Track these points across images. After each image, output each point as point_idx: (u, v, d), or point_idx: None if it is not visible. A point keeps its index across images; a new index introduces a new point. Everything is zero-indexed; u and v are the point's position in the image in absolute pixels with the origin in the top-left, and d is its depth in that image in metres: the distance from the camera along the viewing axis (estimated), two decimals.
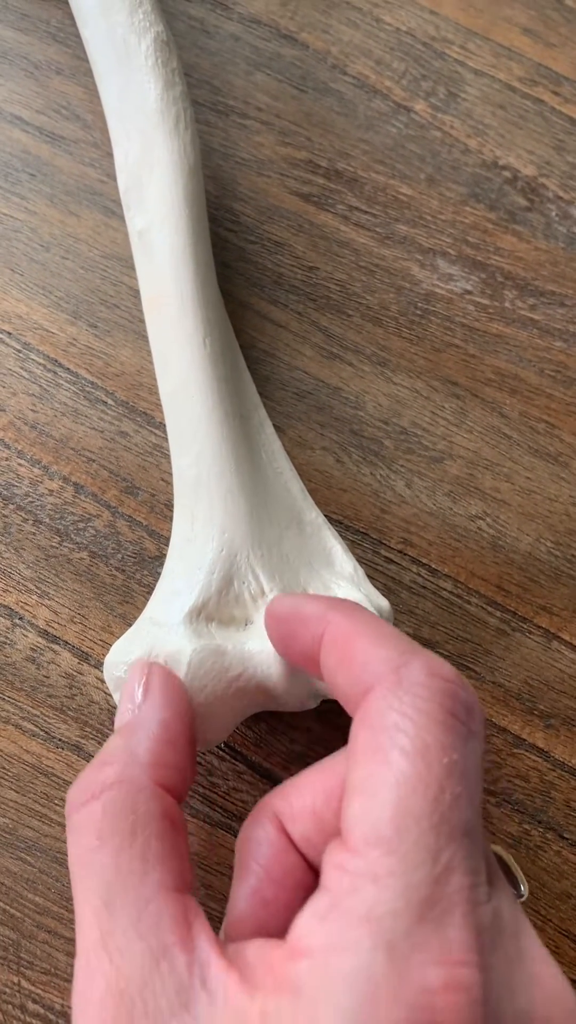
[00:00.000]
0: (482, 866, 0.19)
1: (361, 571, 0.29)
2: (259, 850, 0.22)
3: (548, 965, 0.19)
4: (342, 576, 0.29)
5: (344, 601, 0.24)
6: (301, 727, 0.29)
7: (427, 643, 0.30)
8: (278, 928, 0.21)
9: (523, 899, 0.25)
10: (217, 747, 0.28)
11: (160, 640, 0.26)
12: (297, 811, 0.22)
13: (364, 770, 0.19)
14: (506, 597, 0.30)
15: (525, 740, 0.29)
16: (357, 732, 0.20)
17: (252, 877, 0.22)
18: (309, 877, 0.22)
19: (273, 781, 0.28)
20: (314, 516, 0.30)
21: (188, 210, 0.30)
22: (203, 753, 0.28)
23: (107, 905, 0.19)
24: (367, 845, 0.18)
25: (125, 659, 0.27)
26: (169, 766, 0.22)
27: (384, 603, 0.28)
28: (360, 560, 0.30)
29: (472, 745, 0.19)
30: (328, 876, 0.19)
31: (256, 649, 0.26)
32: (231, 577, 0.27)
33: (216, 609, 0.27)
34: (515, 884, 0.25)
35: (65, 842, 0.27)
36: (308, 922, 0.18)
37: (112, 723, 0.28)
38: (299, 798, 0.22)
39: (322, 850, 0.21)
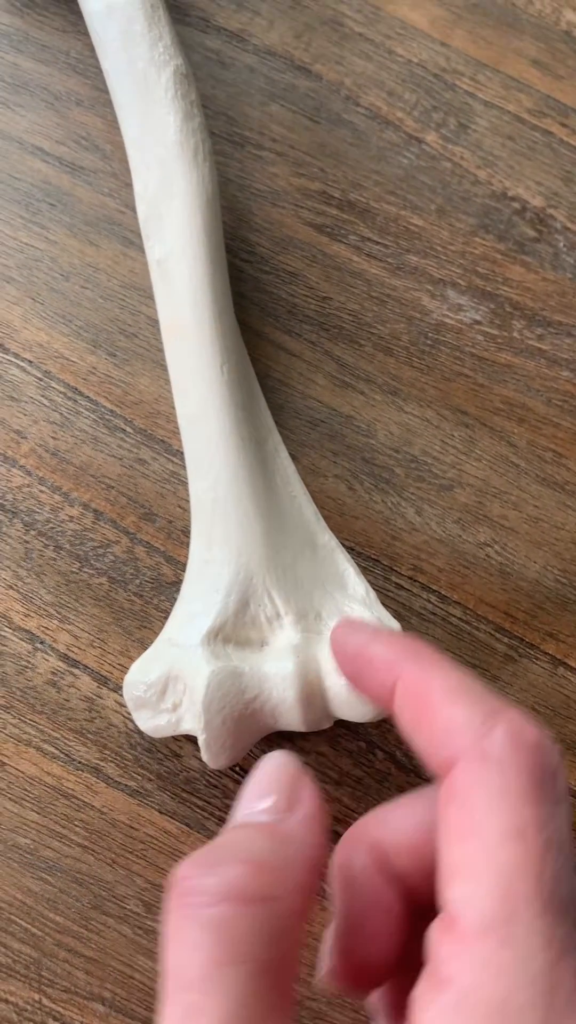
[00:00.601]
0: None
1: (373, 594, 0.29)
2: (357, 885, 0.21)
3: None
4: (355, 599, 0.29)
5: (415, 642, 0.23)
6: (313, 751, 0.29)
7: None
8: (376, 960, 0.21)
9: None
10: (232, 769, 0.29)
11: (179, 661, 0.27)
12: (399, 842, 0.21)
13: (460, 851, 0.19)
14: (514, 624, 0.31)
15: None
16: (447, 809, 0.19)
17: (351, 915, 0.21)
18: (399, 907, 0.22)
19: None
20: (327, 539, 0.30)
21: (206, 239, 0.30)
22: (219, 775, 0.29)
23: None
24: (481, 933, 0.18)
25: (144, 679, 0.27)
26: (310, 900, 0.19)
27: (396, 625, 0.29)
28: (371, 586, 0.31)
29: (563, 811, 0.19)
30: (446, 965, 0.18)
31: (272, 671, 0.27)
32: (247, 599, 0.28)
33: (233, 631, 0.28)
34: None
35: (83, 863, 0.28)
36: (436, 1018, 0.18)
37: (130, 747, 0.29)
38: (397, 830, 0.22)
39: (419, 884, 0.21)
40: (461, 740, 0.19)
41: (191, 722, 0.27)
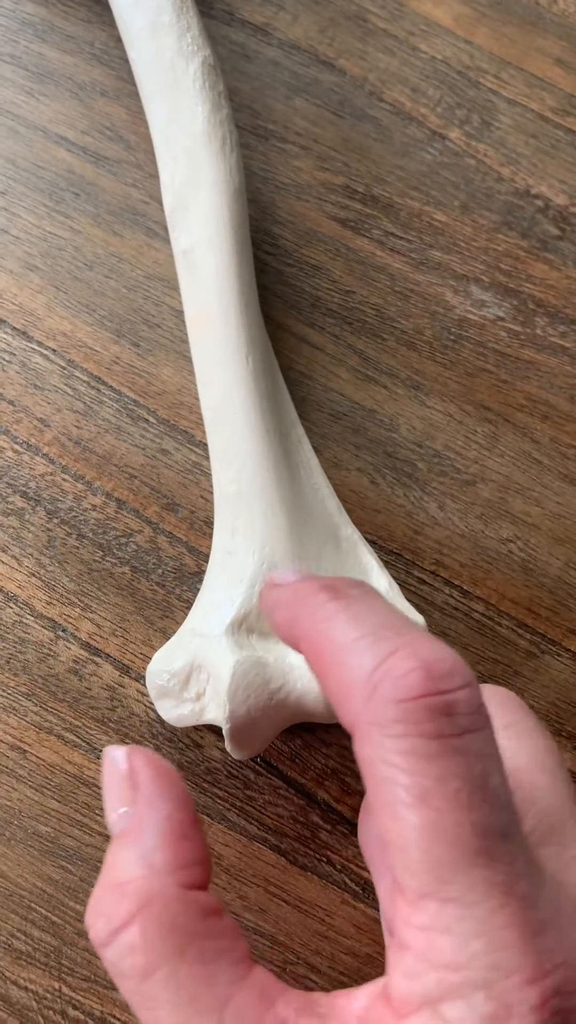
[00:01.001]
0: (527, 855, 0.19)
1: (396, 587, 0.29)
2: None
3: None
4: (378, 592, 0.29)
5: (309, 593, 0.22)
6: (336, 744, 0.29)
7: None
8: None
9: None
10: (254, 760, 0.29)
11: (203, 650, 0.27)
12: None
13: (383, 824, 0.19)
14: (536, 620, 0.31)
15: None
16: (365, 782, 0.19)
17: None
18: None
19: (307, 796, 0.29)
20: (350, 532, 0.30)
21: (232, 231, 0.30)
22: (240, 765, 0.29)
23: None
24: (422, 899, 0.18)
25: (168, 668, 0.27)
26: (189, 864, 0.20)
27: (420, 620, 0.29)
28: (394, 580, 0.31)
29: (472, 744, 0.18)
30: (403, 933, 0.19)
31: (297, 662, 0.27)
32: None
33: (257, 621, 0.27)
34: None
35: (103, 852, 0.27)
36: (401, 981, 0.19)
37: (151, 736, 0.29)
38: None
39: None
40: (353, 705, 0.19)
41: (215, 712, 0.26)
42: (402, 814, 0.18)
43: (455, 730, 0.18)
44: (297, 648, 0.22)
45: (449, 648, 0.19)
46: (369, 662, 0.19)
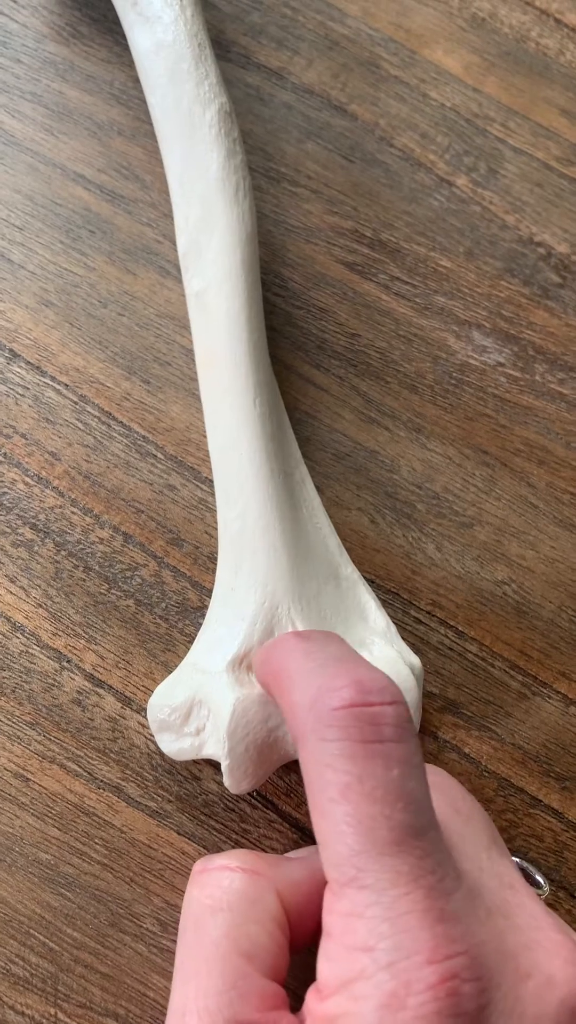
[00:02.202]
0: (441, 857, 0.21)
1: (393, 627, 0.30)
2: None
3: (549, 930, 0.22)
4: (375, 632, 0.30)
5: (282, 637, 0.25)
6: None
7: (451, 704, 0.31)
8: None
9: (545, 895, 0.27)
10: (250, 794, 0.29)
11: (204, 686, 0.27)
12: None
13: (316, 823, 0.21)
14: (528, 662, 0.31)
15: (541, 801, 0.30)
16: (306, 786, 0.21)
17: None
18: None
19: (300, 830, 0.29)
20: (350, 571, 0.31)
21: (244, 275, 0.30)
22: (236, 799, 0.29)
23: (207, 962, 0.22)
24: (342, 887, 0.20)
25: (169, 702, 0.28)
26: (294, 904, 0.24)
27: (416, 660, 0.29)
28: (390, 619, 0.31)
29: (396, 750, 0.21)
30: (327, 921, 0.21)
31: None
32: (272, 629, 0.28)
33: None
34: (535, 883, 0.27)
35: (102, 880, 0.28)
36: (324, 965, 0.21)
37: (151, 768, 0.29)
38: None
39: None
40: (299, 721, 0.21)
41: (214, 747, 0.27)
42: (328, 808, 0.20)
43: (378, 737, 0.21)
44: (266, 684, 0.25)
45: (386, 675, 0.22)
46: (315, 683, 0.22)
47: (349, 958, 0.20)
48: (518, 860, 0.27)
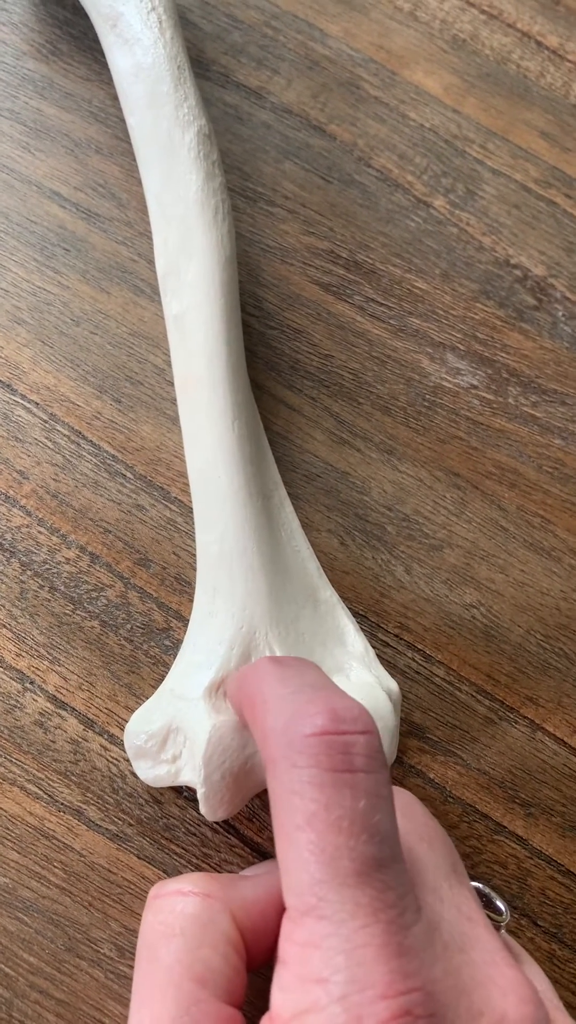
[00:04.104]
0: (403, 890, 0.20)
1: (372, 652, 0.29)
2: None
3: (504, 967, 0.21)
4: (353, 656, 0.29)
5: (252, 665, 0.25)
6: None
7: (417, 728, 0.30)
8: None
9: (505, 922, 0.26)
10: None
11: (181, 713, 0.27)
12: None
13: (280, 849, 0.20)
14: (495, 686, 0.31)
15: (505, 827, 0.29)
16: (272, 812, 0.21)
17: None
18: None
19: (262, 855, 0.28)
20: (328, 595, 0.30)
21: (223, 298, 0.30)
22: (198, 823, 0.28)
23: (161, 988, 0.21)
24: (301, 916, 0.20)
25: (146, 728, 0.27)
26: (248, 924, 0.23)
27: (394, 686, 0.28)
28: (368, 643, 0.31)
29: (362, 781, 0.20)
30: (283, 949, 0.20)
31: None
32: (249, 654, 0.27)
33: None
34: (496, 909, 0.27)
35: (60, 904, 0.27)
36: (277, 995, 0.20)
37: (112, 791, 0.28)
38: None
39: None
40: (270, 746, 0.21)
41: (190, 774, 0.26)
42: (293, 835, 0.20)
43: (348, 766, 0.20)
44: (240, 709, 0.24)
45: (359, 704, 0.21)
46: (288, 709, 0.21)
47: (303, 988, 0.19)
48: (479, 886, 0.27)
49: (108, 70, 0.33)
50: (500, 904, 0.27)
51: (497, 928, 0.26)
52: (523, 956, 0.26)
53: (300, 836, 0.20)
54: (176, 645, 0.30)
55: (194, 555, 0.30)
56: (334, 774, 0.20)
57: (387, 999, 0.19)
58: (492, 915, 0.26)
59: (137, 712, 0.28)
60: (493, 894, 0.27)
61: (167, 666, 0.29)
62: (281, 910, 0.22)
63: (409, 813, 0.25)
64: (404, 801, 0.25)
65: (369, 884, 0.19)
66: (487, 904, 0.26)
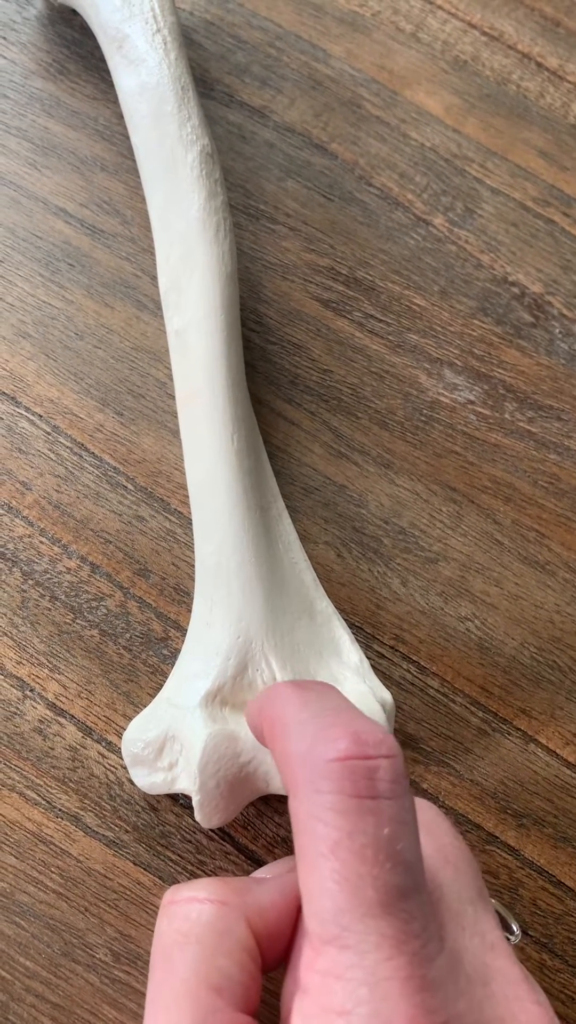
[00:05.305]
0: (427, 920, 0.20)
1: (367, 663, 0.29)
2: None
3: (527, 1001, 0.21)
4: (348, 667, 0.29)
5: (274, 688, 0.24)
6: (288, 813, 0.29)
7: (411, 739, 0.30)
8: None
9: (516, 939, 0.26)
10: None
11: (177, 721, 0.27)
12: None
13: (302, 875, 0.20)
14: (489, 698, 0.31)
15: (498, 838, 0.29)
16: (295, 838, 0.21)
17: None
18: None
19: (256, 863, 0.28)
20: (324, 606, 0.30)
21: (224, 315, 0.30)
22: (194, 830, 0.29)
23: (176, 998, 0.20)
24: (324, 944, 0.19)
25: (143, 736, 0.27)
26: (264, 930, 0.22)
27: (387, 696, 0.29)
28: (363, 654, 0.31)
29: (387, 807, 0.20)
30: (304, 977, 0.20)
31: None
32: (246, 664, 0.28)
33: (231, 694, 0.27)
34: (509, 929, 0.26)
35: (57, 909, 0.27)
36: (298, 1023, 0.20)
37: (109, 798, 0.29)
38: None
39: None
40: (293, 770, 0.21)
41: (186, 782, 0.26)
42: (317, 863, 0.19)
43: (372, 792, 0.19)
44: (260, 733, 0.24)
45: (382, 727, 0.20)
46: (311, 733, 0.21)
47: (324, 1019, 0.19)
48: (493, 903, 0.26)
49: (114, 89, 0.33)
50: (513, 925, 0.27)
51: None
52: (541, 995, 0.25)
53: (323, 864, 0.19)
54: (174, 654, 0.30)
55: (193, 566, 0.31)
56: (358, 800, 0.19)
57: None
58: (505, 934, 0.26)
59: (134, 720, 0.28)
60: (508, 915, 0.27)
61: (165, 675, 0.30)
62: (296, 913, 0.22)
63: (434, 831, 0.24)
64: (428, 817, 0.25)
65: (393, 914, 0.19)
66: (500, 922, 0.26)
